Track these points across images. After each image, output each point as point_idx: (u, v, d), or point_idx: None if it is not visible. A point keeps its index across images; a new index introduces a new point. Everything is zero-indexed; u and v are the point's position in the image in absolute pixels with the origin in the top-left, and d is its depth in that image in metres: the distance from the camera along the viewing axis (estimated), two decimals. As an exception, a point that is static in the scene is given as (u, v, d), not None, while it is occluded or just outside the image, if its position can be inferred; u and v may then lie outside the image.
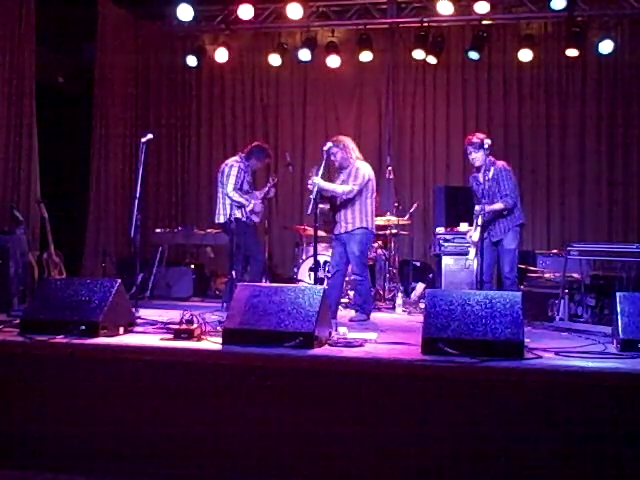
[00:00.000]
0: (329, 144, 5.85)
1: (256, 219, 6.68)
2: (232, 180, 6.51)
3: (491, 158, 5.85)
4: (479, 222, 5.67)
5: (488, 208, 5.65)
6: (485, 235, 5.71)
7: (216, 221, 6.68)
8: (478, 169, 5.90)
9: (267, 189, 6.84)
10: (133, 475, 3.67)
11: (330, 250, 7.52)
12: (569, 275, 5.61)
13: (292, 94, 9.73)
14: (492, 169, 5.72)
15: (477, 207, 5.75)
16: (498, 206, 5.72)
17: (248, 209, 6.50)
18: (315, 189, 5.55)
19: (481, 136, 5.89)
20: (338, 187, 5.97)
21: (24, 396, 3.86)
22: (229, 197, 6.49)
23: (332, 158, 6.00)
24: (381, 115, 9.51)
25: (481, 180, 5.83)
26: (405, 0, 8.93)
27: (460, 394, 3.44)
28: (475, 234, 5.78)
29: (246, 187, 6.63)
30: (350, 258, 6.01)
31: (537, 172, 9.08)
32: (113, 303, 4.16)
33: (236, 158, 6.73)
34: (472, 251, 5.89)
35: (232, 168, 6.57)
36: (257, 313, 3.94)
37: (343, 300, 6.77)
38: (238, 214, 6.49)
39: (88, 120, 8.92)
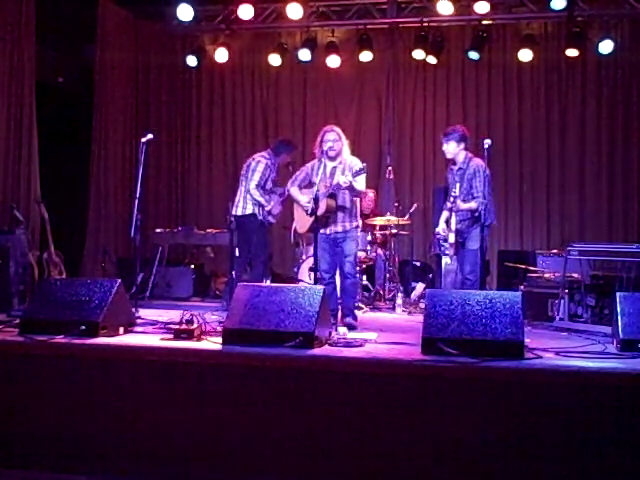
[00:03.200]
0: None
1: (272, 220, 6.65)
2: (257, 177, 6.46)
3: (468, 154, 5.82)
4: (452, 222, 5.72)
5: (464, 206, 5.58)
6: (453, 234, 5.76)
7: (233, 212, 6.54)
8: (454, 162, 5.88)
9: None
10: (133, 475, 3.67)
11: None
12: (569, 275, 5.61)
13: (292, 94, 9.73)
14: (469, 166, 5.71)
15: (449, 204, 5.69)
16: (471, 205, 5.60)
17: (266, 209, 6.48)
18: (315, 188, 5.43)
19: (458, 130, 5.87)
20: (360, 184, 5.52)
21: (24, 396, 3.86)
22: (250, 194, 6.44)
23: (329, 144, 5.57)
24: (381, 115, 9.51)
25: (455, 174, 5.84)
26: (405, 0, 8.93)
27: (460, 394, 3.44)
28: (452, 235, 5.76)
29: (269, 185, 6.57)
30: (347, 258, 5.61)
31: (537, 172, 9.08)
32: (113, 303, 4.16)
33: (264, 154, 6.65)
34: (451, 250, 5.89)
35: (259, 164, 6.50)
36: (257, 313, 3.94)
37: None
38: (255, 210, 6.47)
39: (88, 120, 8.92)
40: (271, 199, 6.54)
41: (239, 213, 6.51)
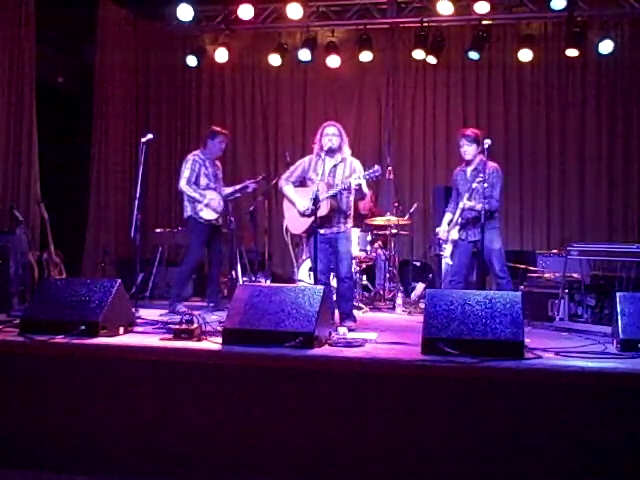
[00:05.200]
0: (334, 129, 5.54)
1: (209, 216, 6.29)
2: (185, 174, 6.32)
3: (483, 157, 5.80)
4: (458, 220, 5.72)
5: (469, 205, 5.56)
6: (463, 235, 5.72)
7: None
8: (468, 163, 5.86)
9: (245, 184, 6.55)
10: (133, 475, 3.67)
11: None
12: (569, 275, 5.61)
13: (292, 94, 9.74)
14: (487, 169, 5.70)
15: (462, 204, 5.68)
16: (479, 206, 5.49)
17: (204, 203, 6.25)
18: (315, 188, 5.32)
19: (476, 131, 5.87)
20: (365, 187, 5.42)
21: (24, 396, 3.86)
22: (182, 191, 6.31)
23: (328, 138, 5.44)
24: (381, 115, 9.51)
25: (469, 176, 5.80)
26: (405, 0, 8.93)
27: (460, 394, 3.43)
28: (454, 232, 5.76)
29: (205, 181, 6.35)
30: (343, 259, 5.46)
31: (537, 172, 9.09)
32: (113, 303, 4.16)
33: (194, 152, 6.53)
34: (448, 249, 5.85)
35: (186, 162, 6.39)
36: (257, 313, 3.94)
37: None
38: (190, 211, 6.30)
39: (88, 120, 8.92)
40: (207, 194, 6.29)
41: (185, 216, 6.43)
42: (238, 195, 6.66)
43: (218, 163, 6.63)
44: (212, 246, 6.51)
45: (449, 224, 5.88)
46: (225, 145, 6.62)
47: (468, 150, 5.78)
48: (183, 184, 6.30)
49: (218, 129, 6.63)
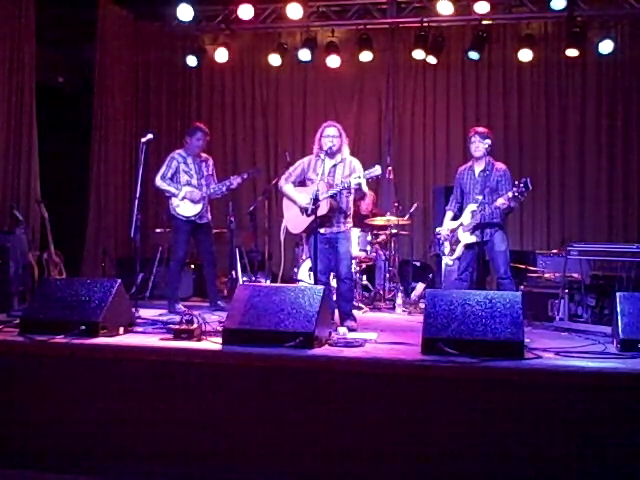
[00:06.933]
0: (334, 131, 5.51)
1: (186, 212, 6.28)
2: (161, 170, 6.34)
3: (491, 158, 5.79)
4: (468, 221, 5.67)
5: (498, 203, 5.44)
6: (479, 237, 5.63)
7: None
8: (475, 162, 5.82)
9: (229, 179, 6.37)
10: (133, 475, 3.67)
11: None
12: (569, 275, 5.61)
13: (292, 94, 9.74)
14: (496, 168, 5.69)
15: (474, 206, 5.64)
16: (513, 203, 5.45)
17: (179, 198, 6.25)
18: (315, 187, 5.31)
19: (487, 129, 5.89)
20: (365, 186, 5.40)
21: (24, 396, 3.86)
22: (158, 187, 6.34)
23: (330, 139, 5.40)
24: (381, 115, 9.51)
25: (477, 176, 5.77)
26: (405, 0, 8.94)
27: (460, 394, 3.44)
28: (466, 235, 5.73)
29: (185, 178, 6.32)
30: (343, 260, 5.43)
31: (537, 172, 9.06)
32: (113, 303, 4.17)
33: (178, 149, 6.50)
34: (458, 249, 5.83)
35: (167, 158, 6.42)
36: (257, 313, 3.94)
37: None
38: (170, 208, 6.31)
39: (88, 120, 8.92)
40: (182, 189, 6.25)
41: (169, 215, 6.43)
42: (225, 192, 6.45)
43: (209, 161, 6.54)
44: (200, 246, 6.50)
45: (457, 225, 5.85)
46: (203, 142, 6.44)
47: (480, 147, 5.74)
48: (157, 179, 6.33)
49: (198, 125, 6.56)
